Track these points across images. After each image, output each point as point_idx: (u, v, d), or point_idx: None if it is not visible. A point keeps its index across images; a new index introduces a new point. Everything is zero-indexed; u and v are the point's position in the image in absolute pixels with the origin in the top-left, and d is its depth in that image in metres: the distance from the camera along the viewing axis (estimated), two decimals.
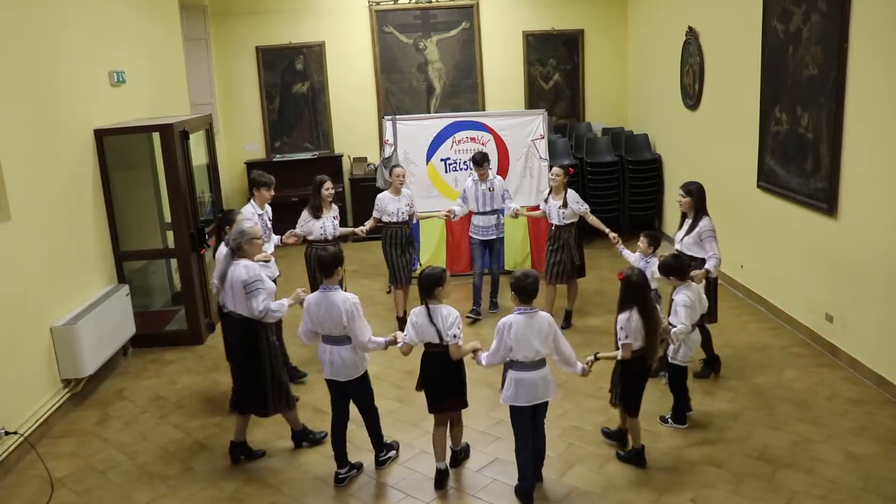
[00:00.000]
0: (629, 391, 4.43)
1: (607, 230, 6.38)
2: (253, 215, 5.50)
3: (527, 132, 8.17)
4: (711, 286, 5.39)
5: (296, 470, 4.60)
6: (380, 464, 4.57)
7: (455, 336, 4.09)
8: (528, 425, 4.11)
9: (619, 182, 9.57)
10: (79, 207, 5.99)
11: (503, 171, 8.10)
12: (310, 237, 6.17)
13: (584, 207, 6.59)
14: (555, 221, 6.62)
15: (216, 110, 10.25)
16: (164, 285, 7.58)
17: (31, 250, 5.21)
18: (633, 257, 5.72)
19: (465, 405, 4.34)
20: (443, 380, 4.22)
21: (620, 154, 9.66)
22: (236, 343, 4.63)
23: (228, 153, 10.52)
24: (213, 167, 7.61)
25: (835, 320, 5.77)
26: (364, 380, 4.42)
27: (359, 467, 4.55)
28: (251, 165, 10.33)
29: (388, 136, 8.20)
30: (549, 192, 6.69)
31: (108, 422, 5.39)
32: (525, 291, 4.01)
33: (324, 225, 6.15)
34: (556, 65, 10.78)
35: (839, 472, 4.29)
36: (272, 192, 5.82)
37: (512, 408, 4.11)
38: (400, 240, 6.73)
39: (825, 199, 5.72)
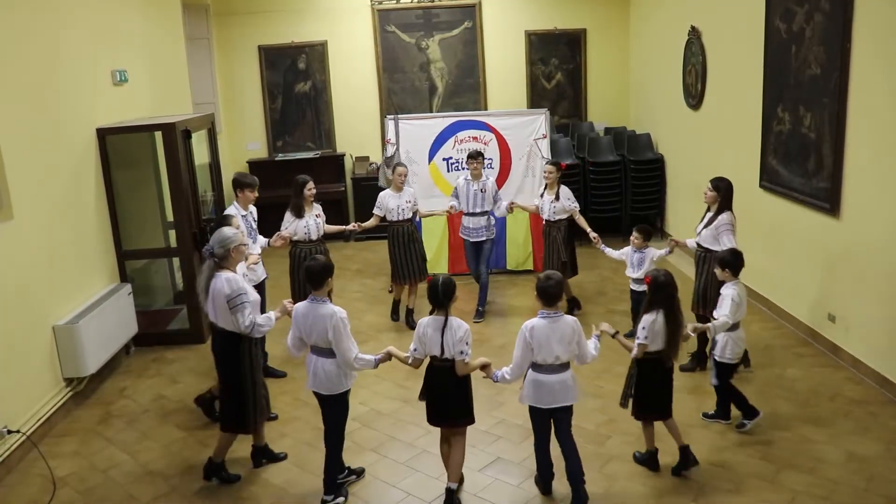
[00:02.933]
0: (642, 393, 4.31)
1: (589, 230, 6.56)
2: (237, 216, 5.44)
3: (529, 131, 8.17)
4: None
5: (298, 469, 4.60)
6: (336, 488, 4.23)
7: (462, 353, 3.92)
8: (547, 425, 4.11)
9: (622, 182, 9.56)
10: (81, 206, 6.00)
11: (505, 170, 8.10)
12: (294, 237, 6.19)
13: (574, 205, 6.69)
14: (545, 216, 6.71)
15: (218, 109, 10.25)
16: (167, 284, 7.58)
17: (33, 249, 5.21)
18: (616, 253, 6.16)
19: (472, 422, 4.14)
20: (448, 395, 4.04)
21: (623, 154, 9.65)
22: (219, 355, 4.46)
23: (231, 152, 10.51)
24: (215, 166, 7.62)
25: (837, 320, 5.76)
26: (342, 399, 4.18)
27: (359, 473, 4.46)
28: (253, 165, 10.36)
29: (391, 135, 8.20)
30: (545, 188, 6.76)
31: (110, 421, 5.39)
32: (546, 294, 3.91)
33: (307, 224, 6.16)
34: (558, 64, 10.77)
35: (842, 473, 4.28)
36: (256, 193, 5.75)
37: (530, 408, 4.10)
38: (403, 237, 6.79)
39: (827, 199, 5.71)
